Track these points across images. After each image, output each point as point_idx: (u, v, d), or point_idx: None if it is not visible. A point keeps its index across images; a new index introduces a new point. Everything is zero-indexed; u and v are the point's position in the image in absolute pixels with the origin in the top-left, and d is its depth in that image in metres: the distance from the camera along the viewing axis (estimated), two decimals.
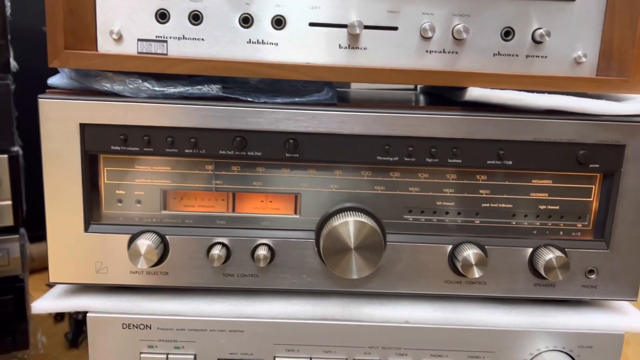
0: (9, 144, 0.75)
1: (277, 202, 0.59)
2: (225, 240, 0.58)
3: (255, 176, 0.58)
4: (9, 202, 0.74)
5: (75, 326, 0.98)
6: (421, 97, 0.81)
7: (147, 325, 0.58)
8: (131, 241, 0.57)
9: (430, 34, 0.55)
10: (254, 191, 0.59)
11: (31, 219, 0.79)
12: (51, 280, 0.58)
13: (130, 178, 0.58)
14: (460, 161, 0.57)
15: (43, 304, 0.58)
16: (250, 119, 0.55)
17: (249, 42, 0.56)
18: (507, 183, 0.59)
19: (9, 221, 0.75)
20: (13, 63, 1.21)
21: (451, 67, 0.56)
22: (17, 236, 0.76)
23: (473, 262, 0.56)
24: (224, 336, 0.58)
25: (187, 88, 0.56)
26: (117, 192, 0.58)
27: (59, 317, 1.07)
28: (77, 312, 0.97)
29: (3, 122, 0.75)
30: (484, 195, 0.59)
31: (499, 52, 0.57)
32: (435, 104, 0.63)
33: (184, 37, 0.55)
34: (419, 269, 0.59)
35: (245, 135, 0.56)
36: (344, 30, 0.55)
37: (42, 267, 1.40)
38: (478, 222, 0.60)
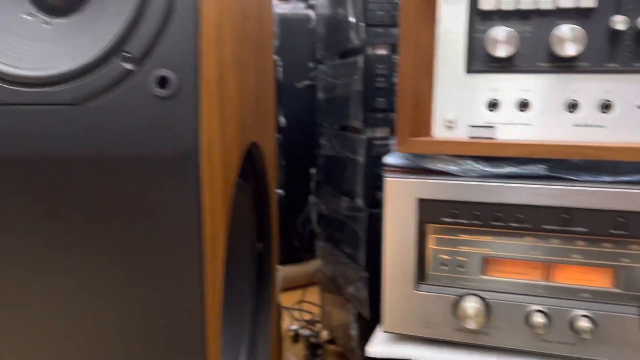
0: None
1: (594, 274, 0.61)
2: (544, 308, 0.62)
3: (575, 249, 0.62)
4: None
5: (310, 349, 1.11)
6: None
7: None
8: (457, 302, 0.64)
9: None
10: (573, 263, 0.62)
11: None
12: (384, 329, 0.68)
13: (454, 245, 0.66)
14: None
15: (377, 349, 0.69)
16: (577, 197, 0.59)
17: (575, 125, 0.60)
18: None
19: None
20: (282, 119, 1.43)
21: None
22: None
23: None
24: None
25: (515, 169, 0.62)
26: (442, 256, 0.66)
27: (295, 338, 1.22)
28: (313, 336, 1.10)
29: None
30: None
31: None
32: None
33: (512, 123, 0.62)
34: None
35: (570, 212, 0.60)
36: None
37: (292, 286, 1.60)
38: None
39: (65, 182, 0.56)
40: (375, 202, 1.14)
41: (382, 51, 1.13)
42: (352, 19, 1.18)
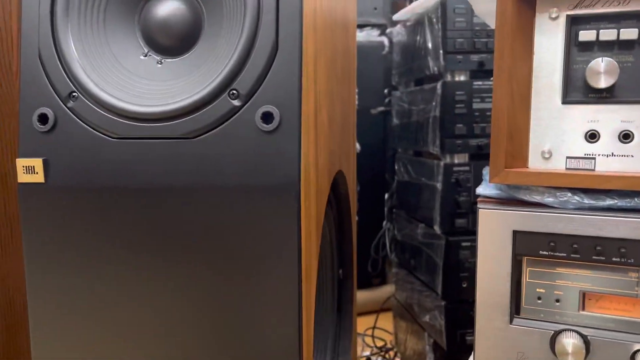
0: None
1: None
2: None
3: None
4: None
5: None
6: None
7: None
8: (554, 337, 0.63)
9: None
10: None
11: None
12: None
13: (550, 278, 0.64)
14: None
15: None
16: None
17: None
18: None
19: None
20: (357, 146, 1.44)
21: None
22: None
23: None
24: None
25: (616, 201, 0.60)
26: (538, 290, 0.65)
27: None
28: None
29: None
30: None
31: None
32: None
33: (612, 155, 0.60)
34: None
35: None
36: None
37: (364, 311, 1.59)
38: None
39: (178, 209, 0.60)
40: (453, 230, 1.13)
41: (461, 77, 1.13)
42: (430, 46, 1.19)
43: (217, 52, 0.60)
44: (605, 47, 0.60)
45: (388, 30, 1.63)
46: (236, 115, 0.58)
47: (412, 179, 1.32)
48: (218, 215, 0.59)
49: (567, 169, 0.62)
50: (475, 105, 1.13)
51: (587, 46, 0.60)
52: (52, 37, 0.60)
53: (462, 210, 1.14)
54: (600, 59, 0.59)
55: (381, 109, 1.64)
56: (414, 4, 1.27)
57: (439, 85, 1.13)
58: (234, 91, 0.58)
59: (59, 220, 0.61)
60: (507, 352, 0.65)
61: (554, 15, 0.61)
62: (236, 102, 0.58)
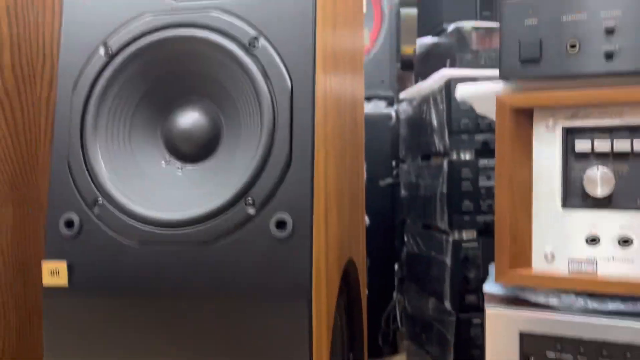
0: None
1: None
2: None
3: None
4: None
5: None
6: None
7: None
8: None
9: None
10: None
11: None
12: None
13: None
14: None
15: None
16: None
17: None
18: None
19: None
20: (366, 219, 1.47)
21: None
22: None
23: None
24: None
25: (620, 305, 0.62)
26: None
27: None
28: None
29: None
30: None
31: None
32: None
33: (613, 259, 0.63)
34: None
35: None
36: None
37: None
38: None
39: (194, 312, 0.62)
40: (464, 306, 1.14)
41: (466, 156, 1.16)
42: (435, 125, 1.24)
43: (235, 161, 0.64)
44: (600, 156, 0.63)
45: (395, 107, 1.68)
46: (251, 223, 0.61)
47: (422, 251, 1.34)
48: (232, 319, 0.61)
49: (570, 271, 0.64)
50: (481, 183, 1.15)
51: (583, 156, 0.63)
52: (81, 147, 0.65)
53: (471, 287, 1.15)
54: (596, 167, 0.62)
55: (389, 180, 1.67)
56: (419, 85, 1.32)
57: (445, 163, 1.16)
58: (250, 199, 0.61)
59: (80, 321, 0.64)
60: None
61: (550, 126, 0.64)
62: (251, 210, 0.61)
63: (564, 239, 0.64)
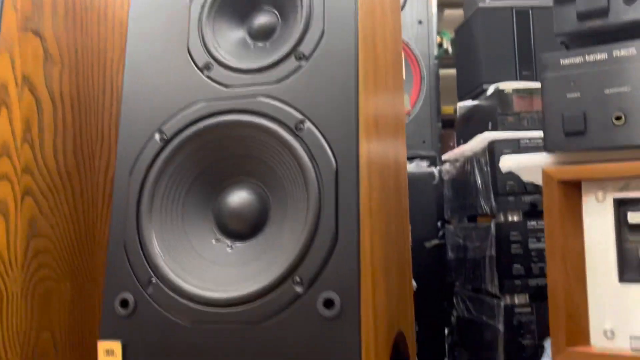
0: None
1: None
2: None
3: None
4: None
5: None
6: None
7: None
8: None
9: None
10: None
11: None
12: None
13: None
14: None
15: None
16: None
17: None
18: None
19: None
20: (414, 283, 1.43)
21: None
22: None
23: None
24: None
25: None
26: None
27: None
28: None
29: None
30: None
31: None
32: None
33: None
34: None
35: None
36: None
37: None
38: None
39: None
40: None
41: (514, 218, 1.14)
42: (480, 186, 1.23)
43: (282, 238, 0.65)
44: None
45: (438, 167, 1.68)
46: (298, 302, 0.62)
47: (473, 316, 1.30)
48: None
49: (632, 349, 0.61)
50: (531, 245, 1.13)
51: (638, 227, 0.62)
52: (137, 229, 0.68)
53: (526, 354, 1.10)
54: None
55: (435, 242, 1.65)
56: (462, 147, 1.33)
57: (492, 225, 1.14)
58: (297, 278, 0.62)
59: None
60: None
61: (600, 198, 0.63)
62: (299, 289, 0.62)
63: (623, 314, 0.62)
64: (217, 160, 0.69)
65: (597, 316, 0.63)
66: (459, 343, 1.42)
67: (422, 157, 1.76)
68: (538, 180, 0.67)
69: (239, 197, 0.69)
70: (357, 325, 0.60)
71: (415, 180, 1.71)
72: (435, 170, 1.73)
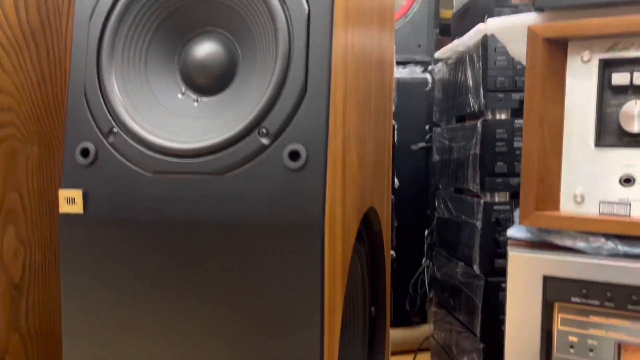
0: None
1: None
2: None
3: None
4: None
5: None
6: None
7: None
8: None
9: None
10: None
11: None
12: None
13: (584, 327, 0.62)
14: None
15: None
16: None
17: None
18: None
19: None
20: (396, 181, 1.43)
21: None
22: None
23: None
24: None
25: None
26: (570, 338, 0.63)
27: None
28: None
29: None
30: None
31: None
32: None
33: None
34: None
35: None
36: None
37: (402, 350, 1.55)
38: None
39: (205, 243, 0.62)
40: (493, 270, 1.10)
41: (502, 116, 1.12)
42: (471, 84, 1.19)
43: (250, 92, 0.62)
44: (639, 90, 0.58)
45: (430, 67, 1.63)
46: (264, 153, 0.60)
47: (452, 216, 1.30)
48: (242, 250, 0.60)
49: (600, 213, 0.60)
50: (516, 144, 1.11)
51: (621, 90, 0.59)
52: (97, 76, 0.64)
53: (502, 250, 1.11)
54: (634, 102, 0.58)
55: (422, 144, 1.63)
56: (455, 42, 1.27)
57: (479, 123, 1.12)
58: (264, 129, 0.60)
59: (94, 249, 0.64)
60: None
61: (586, 59, 0.60)
62: (264, 140, 0.60)
63: (595, 179, 0.60)
64: (182, 6, 0.64)
65: (569, 181, 0.62)
66: (438, 243, 1.43)
67: (416, 62, 1.71)
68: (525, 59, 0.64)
69: (206, 49, 0.65)
70: (323, 177, 0.59)
71: (408, 87, 1.67)
72: (428, 76, 1.69)
